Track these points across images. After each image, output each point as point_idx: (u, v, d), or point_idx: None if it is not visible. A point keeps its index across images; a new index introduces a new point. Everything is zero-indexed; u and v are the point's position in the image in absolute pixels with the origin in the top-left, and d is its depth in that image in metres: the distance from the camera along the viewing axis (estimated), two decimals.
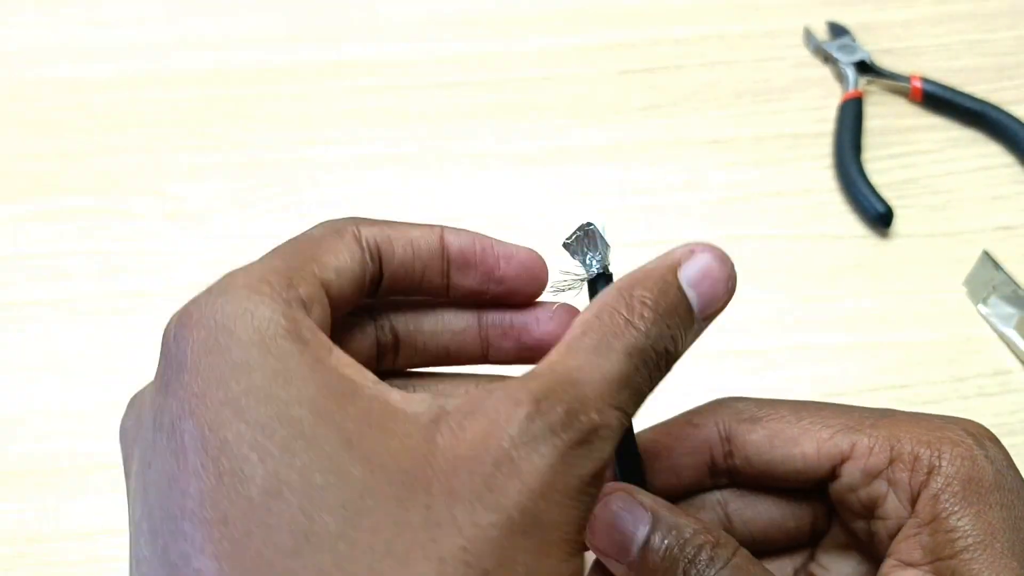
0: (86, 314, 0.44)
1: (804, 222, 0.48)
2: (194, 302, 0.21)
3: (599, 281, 0.25)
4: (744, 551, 0.24)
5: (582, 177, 0.49)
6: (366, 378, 0.21)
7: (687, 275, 0.23)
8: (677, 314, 0.22)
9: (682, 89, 0.53)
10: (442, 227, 0.26)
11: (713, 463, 0.27)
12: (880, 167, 0.49)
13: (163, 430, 0.20)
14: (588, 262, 0.25)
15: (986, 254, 0.44)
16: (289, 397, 0.19)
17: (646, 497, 0.24)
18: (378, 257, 0.25)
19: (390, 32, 0.56)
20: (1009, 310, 0.43)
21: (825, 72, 0.54)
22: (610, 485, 0.24)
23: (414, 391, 0.25)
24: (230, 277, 0.21)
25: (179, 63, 0.55)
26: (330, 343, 0.21)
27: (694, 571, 0.23)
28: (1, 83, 0.54)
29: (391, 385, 0.21)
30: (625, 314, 0.22)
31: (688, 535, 0.23)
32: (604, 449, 0.20)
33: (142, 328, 0.43)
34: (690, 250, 0.23)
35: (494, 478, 0.19)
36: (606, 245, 0.25)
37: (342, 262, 0.24)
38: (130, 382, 0.41)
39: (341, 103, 0.53)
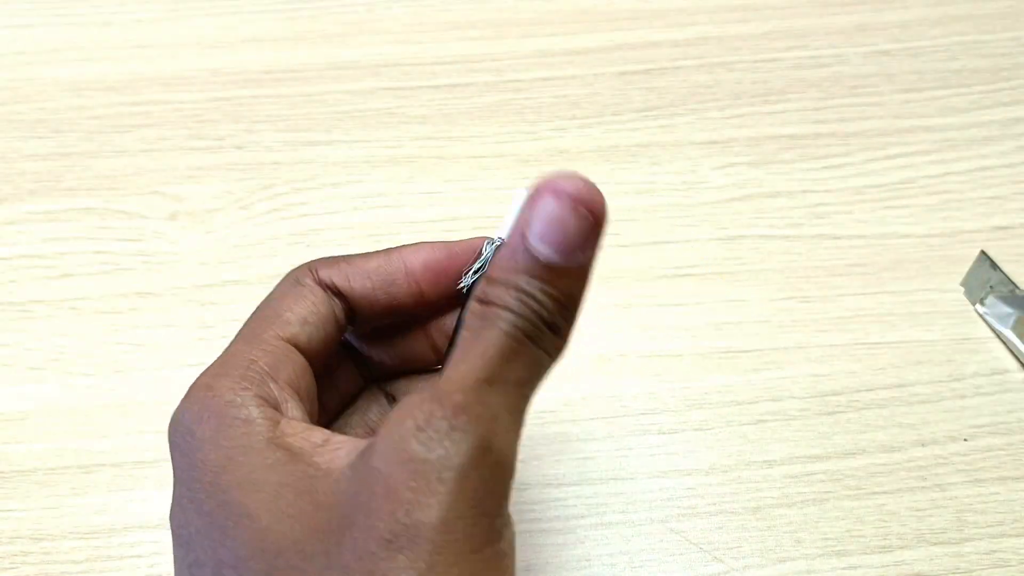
0: (87, 314, 0.44)
1: (802, 222, 0.48)
2: (188, 405, 0.24)
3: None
4: None
5: None
6: (307, 441, 0.23)
7: (534, 233, 0.22)
8: (527, 275, 0.22)
9: (681, 90, 0.53)
10: (401, 249, 0.27)
11: None
12: (878, 167, 0.50)
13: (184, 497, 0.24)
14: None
15: (983, 254, 0.44)
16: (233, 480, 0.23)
17: None
18: (339, 293, 0.27)
19: (390, 32, 0.56)
20: (1006, 310, 0.43)
21: (824, 73, 0.55)
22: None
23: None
24: (212, 378, 0.25)
25: (179, 63, 0.55)
26: (277, 418, 0.24)
27: None
28: (1, 83, 0.54)
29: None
30: (483, 300, 0.23)
31: None
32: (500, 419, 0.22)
33: (143, 328, 0.44)
34: (531, 200, 0.22)
35: (410, 503, 0.21)
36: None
37: (305, 310, 0.26)
38: (131, 381, 0.42)
39: (341, 103, 0.53)
